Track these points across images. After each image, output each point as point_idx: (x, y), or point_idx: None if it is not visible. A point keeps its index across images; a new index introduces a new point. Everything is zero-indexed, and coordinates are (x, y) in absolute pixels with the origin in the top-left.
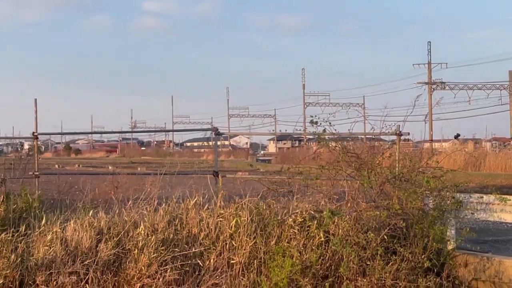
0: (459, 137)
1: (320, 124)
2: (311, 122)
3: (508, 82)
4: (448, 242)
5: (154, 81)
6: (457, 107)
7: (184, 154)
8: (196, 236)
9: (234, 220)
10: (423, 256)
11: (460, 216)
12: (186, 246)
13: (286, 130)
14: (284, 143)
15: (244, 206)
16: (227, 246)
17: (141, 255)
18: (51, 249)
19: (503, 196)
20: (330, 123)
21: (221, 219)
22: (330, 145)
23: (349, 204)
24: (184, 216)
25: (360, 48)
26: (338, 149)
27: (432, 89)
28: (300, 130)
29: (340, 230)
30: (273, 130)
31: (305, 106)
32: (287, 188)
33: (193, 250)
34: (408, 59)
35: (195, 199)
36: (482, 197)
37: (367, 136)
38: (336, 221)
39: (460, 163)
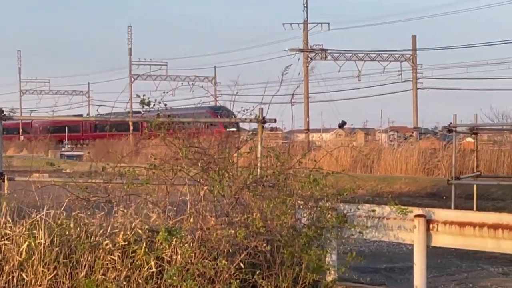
0: (345, 126)
1: (153, 105)
2: (141, 102)
3: (411, 52)
4: (328, 272)
5: None
6: (342, 84)
7: None
8: None
9: (26, 244)
10: None
11: (344, 236)
12: None
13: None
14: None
15: (41, 223)
16: (15, 280)
17: None
18: None
19: (403, 207)
20: (165, 104)
21: (6, 242)
22: (162, 134)
23: (192, 220)
24: None
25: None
26: (178, 142)
27: (309, 59)
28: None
29: (179, 256)
30: (87, 114)
31: (132, 79)
32: (104, 196)
33: None
34: (279, 16)
35: None
36: (374, 210)
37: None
38: (173, 243)
39: (345, 162)
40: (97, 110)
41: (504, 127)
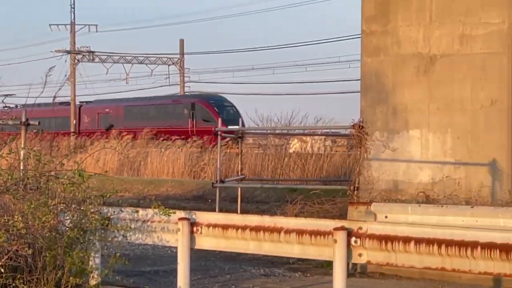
0: (112, 128)
1: None
2: None
3: (179, 55)
4: (91, 275)
5: None
6: (110, 87)
7: None
8: None
9: None
10: None
11: (108, 239)
12: None
13: None
14: None
15: None
16: None
17: None
18: None
19: (166, 209)
20: None
21: None
22: None
23: None
24: None
25: None
26: None
27: (76, 61)
28: None
29: None
30: None
31: None
32: None
33: None
34: (49, 16)
35: None
36: (137, 212)
37: None
38: None
39: (112, 165)
40: None
41: (268, 131)
